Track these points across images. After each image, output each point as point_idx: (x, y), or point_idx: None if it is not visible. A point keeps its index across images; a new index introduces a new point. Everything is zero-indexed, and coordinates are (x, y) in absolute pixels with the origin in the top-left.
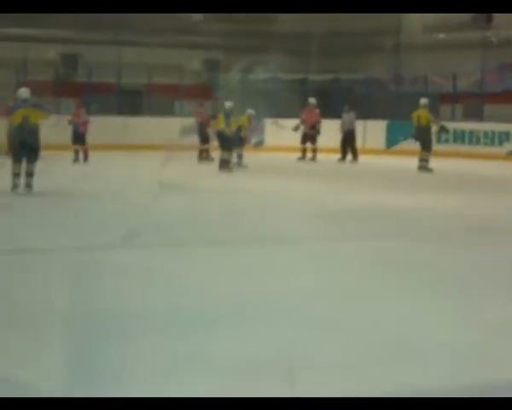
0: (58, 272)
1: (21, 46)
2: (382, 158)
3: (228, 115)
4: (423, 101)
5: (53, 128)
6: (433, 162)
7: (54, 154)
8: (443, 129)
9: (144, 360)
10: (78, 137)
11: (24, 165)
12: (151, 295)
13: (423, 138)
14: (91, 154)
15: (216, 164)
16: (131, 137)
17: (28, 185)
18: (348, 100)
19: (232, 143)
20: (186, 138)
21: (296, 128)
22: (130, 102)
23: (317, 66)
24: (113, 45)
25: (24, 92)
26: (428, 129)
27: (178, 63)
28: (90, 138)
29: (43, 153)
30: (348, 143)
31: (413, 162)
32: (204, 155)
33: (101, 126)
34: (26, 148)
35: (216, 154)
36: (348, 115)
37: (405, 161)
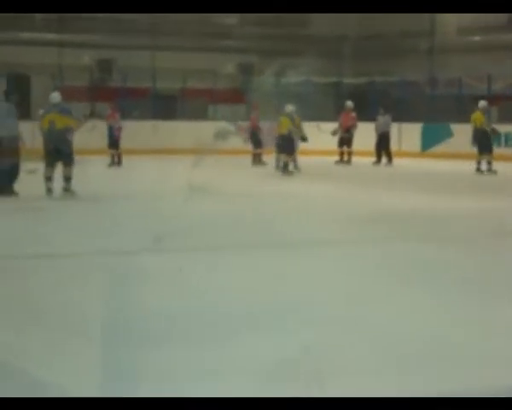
0: (89, 276)
1: (57, 52)
2: (417, 161)
3: (292, 119)
4: (482, 103)
5: (88, 133)
6: (468, 164)
7: (89, 158)
8: (494, 132)
9: (174, 363)
10: (114, 142)
11: (61, 169)
12: (182, 298)
13: (479, 141)
14: (127, 158)
15: (268, 167)
16: (166, 141)
17: (66, 189)
18: (383, 103)
19: (295, 146)
20: (221, 142)
21: (335, 132)
22: (165, 106)
23: (352, 69)
24: (147, 50)
25: (55, 97)
26: (485, 132)
27: (212, 67)
28: (126, 143)
29: (77, 157)
30: (382, 146)
31: (448, 165)
32: (257, 159)
33: (135, 131)
34: (56, 152)
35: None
36: (383, 118)
37: (440, 164)
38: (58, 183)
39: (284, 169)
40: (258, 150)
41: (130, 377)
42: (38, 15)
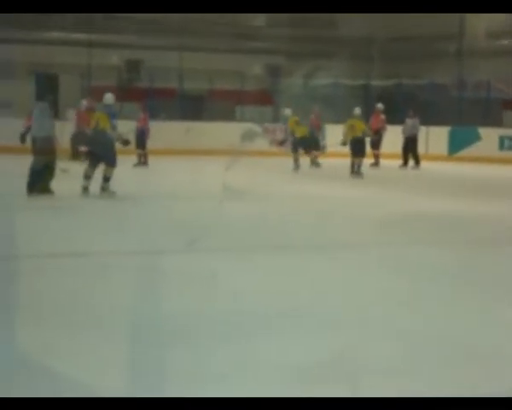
0: (120, 277)
1: (86, 52)
2: (445, 164)
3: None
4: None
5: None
6: (493, 169)
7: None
8: None
9: (205, 363)
10: (141, 142)
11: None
12: (213, 299)
13: None
14: (152, 158)
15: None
16: (192, 142)
17: (104, 189)
18: (411, 105)
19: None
20: (248, 144)
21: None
22: (192, 107)
23: (380, 71)
24: (175, 51)
25: (108, 98)
26: None
27: (240, 69)
28: (152, 143)
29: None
30: (410, 149)
31: (476, 169)
32: (314, 161)
33: (162, 131)
34: (98, 152)
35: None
36: (412, 121)
37: (468, 168)
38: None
39: (358, 171)
40: (317, 153)
41: (156, 376)
42: (68, 15)
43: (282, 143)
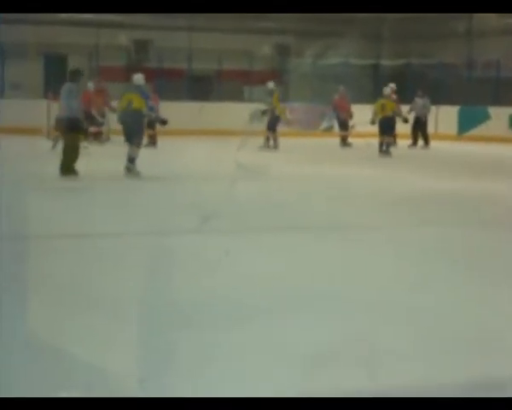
0: (133, 257)
1: (94, 32)
2: (454, 144)
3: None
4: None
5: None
6: (504, 148)
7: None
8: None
9: (213, 348)
10: (152, 123)
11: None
12: (225, 281)
13: None
14: (162, 139)
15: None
16: (201, 122)
17: (129, 169)
18: (420, 85)
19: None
20: (255, 124)
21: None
22: (201, 87)
23: (390, 51)
24: (184, 31)
25: (139, 79)
26: None
27: (248, 48)
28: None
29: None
30: (419, 129)
31: (486, 148)
32: (344, 142)
33: (171, 112)
34: (127, 132)
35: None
36: (422, 100)
37: (478, 148)
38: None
39: (387, 151)
40: (346, 132)
41: (169, 359)
42: None
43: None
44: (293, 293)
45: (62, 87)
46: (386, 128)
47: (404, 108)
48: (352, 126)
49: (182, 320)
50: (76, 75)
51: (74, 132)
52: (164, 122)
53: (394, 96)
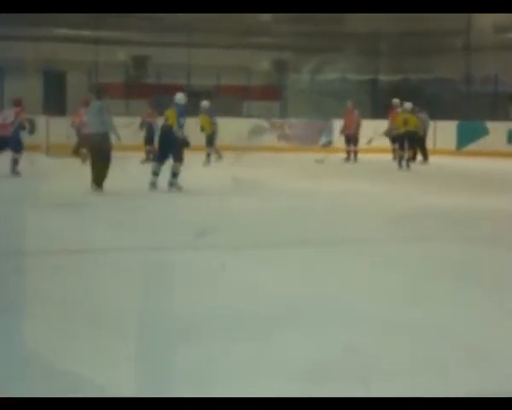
0: (130, 273)
1: (93, 49)
2: (453, 159)
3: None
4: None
5: (124, 130)
6: (502, 162)
7: (124, 155)
8: None
9: (212, 361)
10: (151, 138)
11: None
12: (221, 295)
13: None
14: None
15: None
16: (200, 137)
17: (172, 184)
18: (418, 100)
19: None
20: (256, 139)
21: (388, 133)
22: (199, 103)
23: (387, 66)
24: (182, 47)
25: (180, 98)
26: None
27: (246, 64)
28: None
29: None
30: (418, 144)
31: (485, 163)
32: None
33: None
34: (167, 148)
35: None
36: (421, 115)
37: (477, 162)
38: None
39: (408, 165)
40: (352, 148)
41: (165, 373)
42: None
43: None
44: (292, 306)
45: (90, 105)
46: (409, 143)
47: None
48: (370, 140)
49: (183, 334)
50: (102, 92)
51: (105, 147)
52: (186, 144)
53: (398, 110)
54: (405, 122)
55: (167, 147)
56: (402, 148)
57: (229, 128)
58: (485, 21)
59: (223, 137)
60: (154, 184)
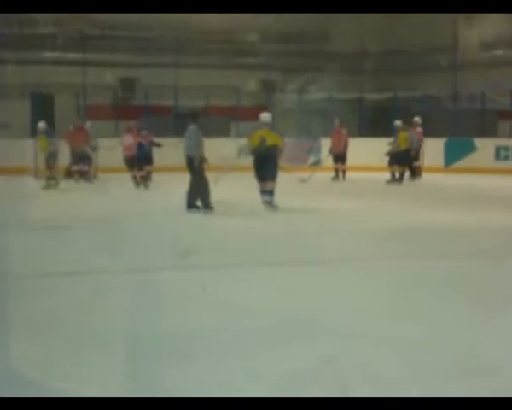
0: (115, 295)
1: (80, 71)
2: (441, 176)
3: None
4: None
5: (110, 151)
6: (489, 179)
7: (112, 176)
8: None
9: (199, 381)
10: (144, 158)
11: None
12: (206, 316)
13: None
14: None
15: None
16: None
17: (267, 202)
18: (405, 118)
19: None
20: (244, 159)
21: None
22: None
23: (374, 84)
24: (170, 68)
25: (266, 117)
26: None
27: (234, 84)
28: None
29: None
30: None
31: (473, 180)
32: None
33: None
34: (264, 168)
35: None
36: (406, 133)
37: (465, 179)
38: None
39: (400, 180)
40: (340, 166)
41: (152, 393)
42: (62, 35)
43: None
44: (280, 324)
45: (188, 129)
46: (402, 160)
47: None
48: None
49: (163, 355)
50: (197, 117)
51: (201, 169)
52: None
53: (420, 129)
54: (403, 140)
55: (264, 167)
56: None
57: (217, 148)
58: (470, 38)
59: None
60: (268, 202)
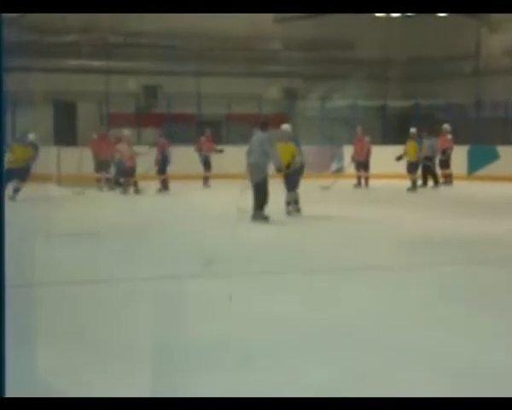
0: (141, 303)
1: (103, 79)
2: (465, 184)
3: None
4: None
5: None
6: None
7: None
8: None
9: (220, 390)
10: (163, 168)
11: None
12: (230, 324)
13: None
14: (175, 183)
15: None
16: (213, 166)
17: (296, 210)
18: (428, 126)
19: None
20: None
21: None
22: (211, 131)
23: (397, 92)
24: (193, 76)
25: (286, 128)
26: None
27: (257, 92)
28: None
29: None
30: (427, 169)
31: (496, 188)
32: (360, 182)
33: (182, 156)
34: (293, 177)
35: None
36: (428, 141)
37: (488, 187)
38: None
39: (413, 189)
40: (363, 174)
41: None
42: (85, 43)
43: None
44: (301, 334)
45: (255, 136)
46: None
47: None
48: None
49: (186, 364)
50: (266, 125)
51: (263, 177)
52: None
53: (450, 136)
54: (409, 151)
55: (294, 176)
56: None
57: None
58: (493, 46)
59: (233, 166)
60: (289, 213)
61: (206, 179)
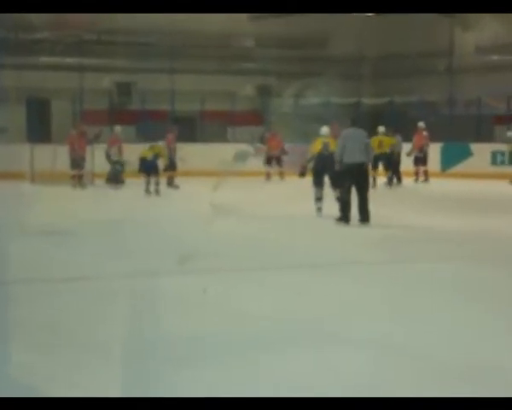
0: (114, 300)
1: (76, 76)
2: (438, 181)
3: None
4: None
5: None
6: (486, 184)
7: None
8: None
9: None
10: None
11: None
12: (206, 320)
13: None
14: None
15: None
16: (185, 163)
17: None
18: (401, 123)
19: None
20: (240, 164)
21: (410, 153)
22: (184, 128)
23: (371, 89)
24: (166, 73)
25: (325, 130)
26: None
27: (231, 89)
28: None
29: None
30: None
31: (469, 185)
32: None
33: None
34: (324, 173)
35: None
36: (389, 138)
37: (461, 184)
38: None
39: (390, 183)
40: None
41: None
42: (58, 40)
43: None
44: (280, 329)
45: (347, 132)
46: (384, 164)
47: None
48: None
49: (158, 360)
50: (356, 120)
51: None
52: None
53: (425, 134)
54: (380, 144)
55: (324, 172)
56: (376, 169)
57: (214, 153)
58: (467, 44)
59: (207, 163)
60: (319, 209)
61: (170, 179)
